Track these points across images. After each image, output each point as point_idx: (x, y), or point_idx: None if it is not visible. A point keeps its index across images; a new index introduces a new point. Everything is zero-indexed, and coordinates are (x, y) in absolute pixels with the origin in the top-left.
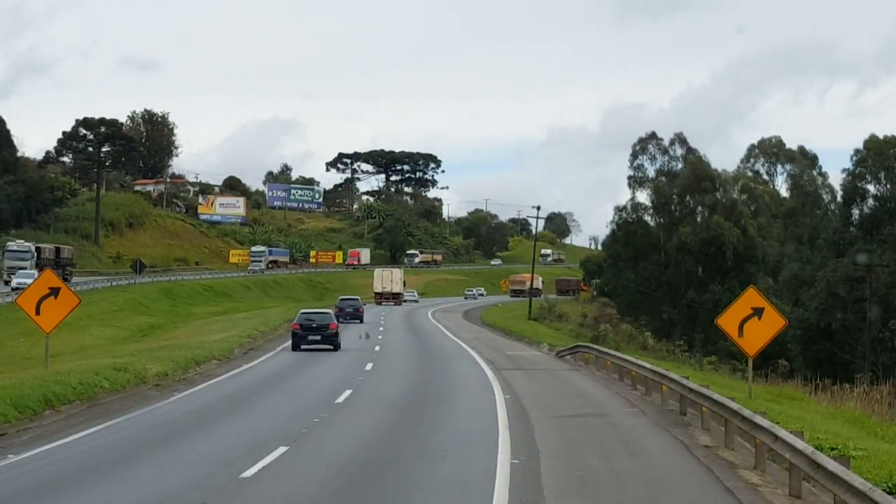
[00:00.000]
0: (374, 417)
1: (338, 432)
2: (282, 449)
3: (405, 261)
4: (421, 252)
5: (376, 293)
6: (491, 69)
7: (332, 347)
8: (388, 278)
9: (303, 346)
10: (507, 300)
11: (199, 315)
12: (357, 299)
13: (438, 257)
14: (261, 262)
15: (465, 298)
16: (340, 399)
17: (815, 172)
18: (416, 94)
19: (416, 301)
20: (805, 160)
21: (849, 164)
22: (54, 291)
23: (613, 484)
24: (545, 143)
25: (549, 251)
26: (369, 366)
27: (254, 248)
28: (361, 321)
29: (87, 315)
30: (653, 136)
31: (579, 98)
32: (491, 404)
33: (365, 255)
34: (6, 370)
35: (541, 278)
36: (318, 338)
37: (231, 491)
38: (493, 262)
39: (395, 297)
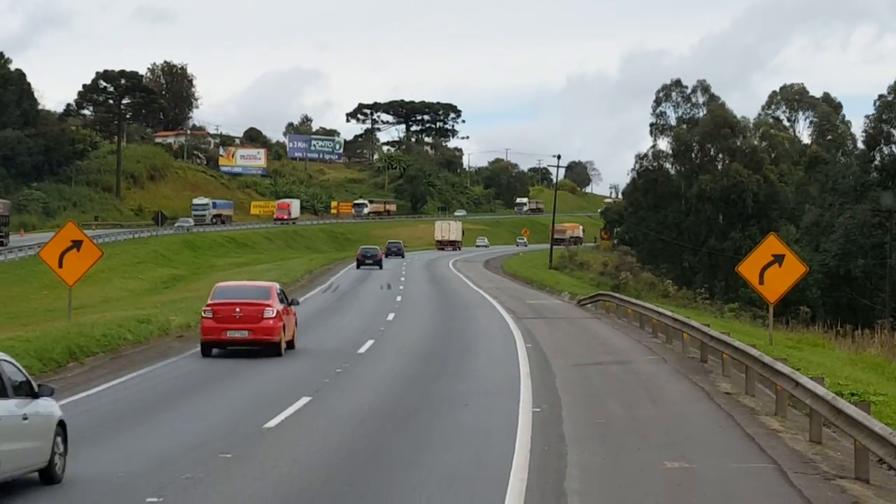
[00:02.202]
0: (396, 367)
1: (360, 382)
2: (304, 399)
3: (353, 211)
4: (371, 202)
5: (437, 241)
6: (510, 16)
7: (378, 267)
8: (447, 229)
9: (360, 267)
10: (525, 249)
11: (221, 267)
12: (377, 248)
13: (392, 207)
14: (204, 215)
15: (478, 246)
16: (362, 349)
17: (835, 122)
18: (437, 43)
19: (486, 247)
20: (829, 107)
21: (870, 111)
22: (77, 244)
23: (635, 431)
24: (565, 90)
25: (524, 200)
26: (391, 316)
27: (196, 201)
28: (381, 267)
29: (110, 268)
30: (677, 83)
31: (599, 45)
32: (512, 353)
33: (295, 207)
34: (30, 323)
35: (581, 227)
36: (371, 262)
37: (255, 441)
38: (518, 208)
39: (453, 244)
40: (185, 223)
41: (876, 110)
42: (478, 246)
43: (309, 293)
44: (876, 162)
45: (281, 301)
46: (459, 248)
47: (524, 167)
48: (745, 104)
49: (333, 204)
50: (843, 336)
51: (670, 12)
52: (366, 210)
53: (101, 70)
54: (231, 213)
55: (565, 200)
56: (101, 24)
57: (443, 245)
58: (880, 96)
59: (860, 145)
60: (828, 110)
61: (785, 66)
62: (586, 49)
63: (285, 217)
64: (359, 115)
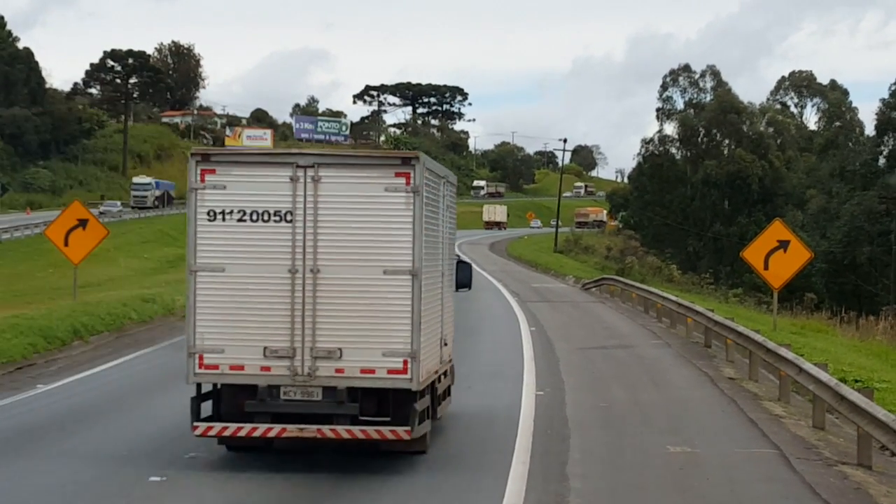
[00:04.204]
0: None
1: None
2: None
3: None
4: None
5: (485, 222)
6: None
7: None
8: (494, 211)
9: None
10: (532, 232)
11: None
12: None
13: None
14: (146, 196)
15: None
16: None
17: (843, 108)
18: (444, 25)
19: (539, 227)
20: (837, 93)
21: (878, 98)
22: (82, 223)
23: (638, 415)
24: (571, 73)
25: (481, 184)
26: None
27: (136, 179)
28: None
29: (115, 247)
30: (685, 67)
31: (605, 28)
32: (516, 336)
33: None
34: (35, 301)
35: (605, 210)
36: None
37: None
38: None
39: (499, 225)
40: (112, 206)
41: (891, 95)
42: (532, 227)
43: None
44: (881, 148)
45: None
46: (504, 229)
47: (530, 150)
48: (752, 89)
49: None
50: (847, 322)
51: None
52: None
53: (108, 49)
54: (173, 192)
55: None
56: (108, 2)
57: (490, 225)
58: None
59: (867, 132)
60: (839, 97)
61: (793, 51)
62: (593, 32)
63: None
64: (365, 97)
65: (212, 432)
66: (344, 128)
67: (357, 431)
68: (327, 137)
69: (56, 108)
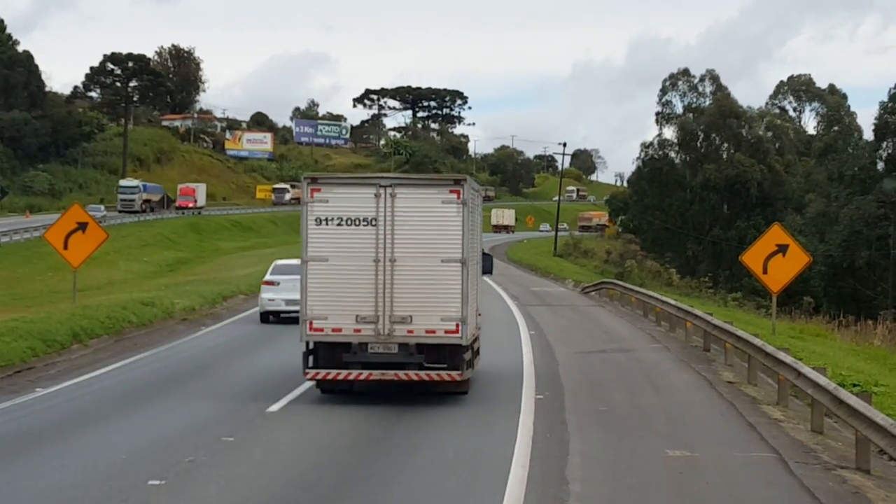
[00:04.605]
0: None
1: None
2: (307, 384)
3: (273, 197)
4: (292, 187)
5: (493, 225)
6: (517, 2)
7: None
8: (502, 215)
9: None
10: (531, 235)
11: (226, 250)
12: None
13: None
14: (133, 200)
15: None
16: None
17: (841, 112)
18: (444, 29)
19: (549, 231)
20: (835, 98)
21: (876, 102)
22: (82, 226)
23: (637, 419)
24: (570, 77)
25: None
26: None
27: (123, 182)
28: None
29: (115, 250)
30: (685, 72)
31: (605, 33)
32: (516, 340)
33: (201, 192)
34: (34, 304)
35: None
36: None
37: (258, 425)
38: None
39: (507, 228)
40: (95, 211)
41: (890, 99)
42: (541, 231)
43: None
44: (880, 151)
45: None
46: (512, 232)
47: (530, 154)
48: (751, 93)
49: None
50: (845, 327)
51: (678, 0)
52: (287, 196)
53: (108, 52)
54: (160, 197)
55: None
56: (108, 5)
57: (498, 229)
58: None
59: (865, 136)
60: (838, 101)
61: (792, 56)
62: (593, 36)
63: (190, 205)
64: (365, 101)
65: (319, 377)
66: (344, 131)
67: (423, 375)
68: (327, 141)
69: (56, 112)
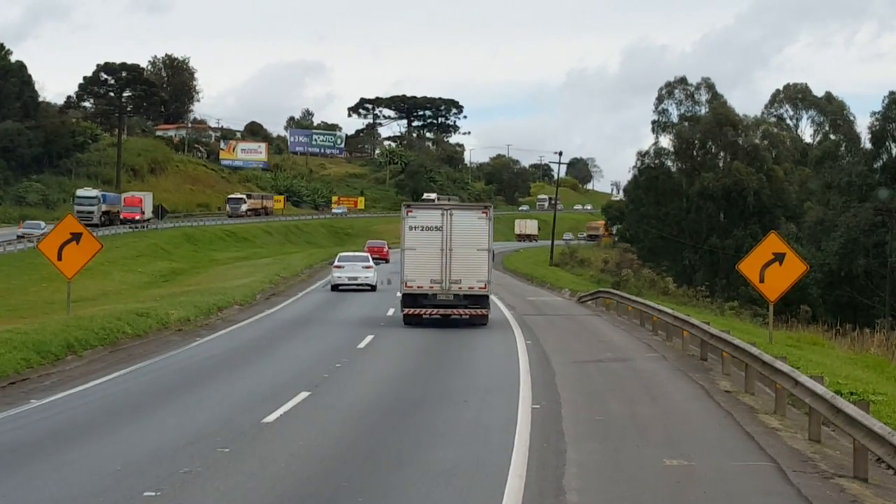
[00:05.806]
0: (396, 363)
1: (359, 377)
2: (304, 394)
3: (228, 208)
4: (249, 197)
5: (517, 234)
6: (511, 11)
7: (385, 261)
8: (525, 225)
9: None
10: (525, 246)
11: (220, 260)
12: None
13: (270, 203)
14: (92, 211)
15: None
16: (362, 344)
17: (838, 121)
18: (438, 38)
19: (573, 240)
20: (834, 105)
21: (871, 110)
22: (76, 237)
23: (634, 428)
24: (565, 86)
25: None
26: (391, 311)
27: (81, 192)
28: (388, 262)
29: (109, 260)
30: (682, 80)
31: (600, 41)
32: (512, 349)
33: (148, 202)
34: (28, 315)
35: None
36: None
37: (253, 436)
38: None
39: (530, 237)
40: (34, 228)
41: (884, 107)
42: (564, 240)
43: (309, 288)
44: (877, 160)
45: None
46: (536, 241)
47: (525, 163)
48: (748, 101)
49: (334, 199)
50: (842, 335)
51: (673, 8)
52: (244, 207)
53: (101, 62)
54: (118, 209)
55: (567, 197)
56: (100, 15)
57: (521, 238)
58: (891, 93)
59: (864, 143)
60: (837, 106)
61: (788, 64)
62: (587, 44)
63: (137, 217)
64: (360, 110)
65: (411, 312)
66: (339, 141)
67: (469, 312)
68: (322, 150)
69: (49, 122)
